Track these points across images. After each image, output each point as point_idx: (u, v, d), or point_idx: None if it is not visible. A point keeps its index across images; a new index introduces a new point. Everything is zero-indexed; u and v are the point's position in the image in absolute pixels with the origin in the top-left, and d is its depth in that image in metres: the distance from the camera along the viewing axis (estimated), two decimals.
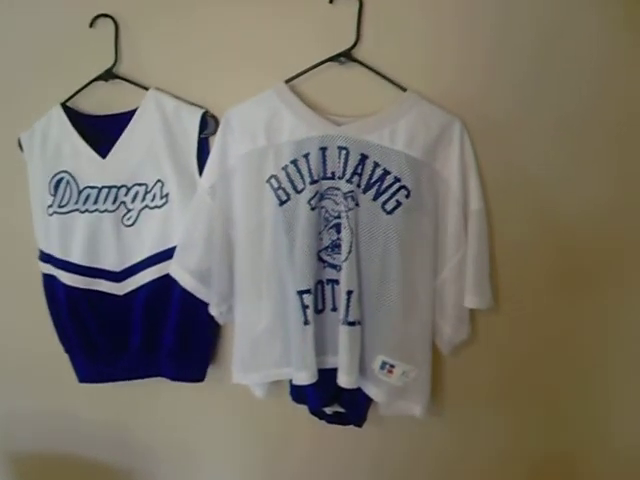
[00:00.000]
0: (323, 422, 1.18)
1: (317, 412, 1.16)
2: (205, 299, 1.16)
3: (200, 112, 1.15)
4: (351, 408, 1.14)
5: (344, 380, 1.05)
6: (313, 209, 1.05)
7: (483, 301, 1.05)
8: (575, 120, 1.06)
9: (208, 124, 1.17)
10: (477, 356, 1.15)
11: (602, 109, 1.05)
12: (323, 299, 1.09)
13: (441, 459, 1.24)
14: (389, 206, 1.04)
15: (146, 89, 1.19)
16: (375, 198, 1.04)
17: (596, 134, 1.06)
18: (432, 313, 1.08)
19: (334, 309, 1.08)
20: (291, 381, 1.12)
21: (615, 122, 1.05)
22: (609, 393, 1.15)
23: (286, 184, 1.06)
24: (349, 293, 1.04)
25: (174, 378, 1.23)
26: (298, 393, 1.14)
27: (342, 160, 1.04)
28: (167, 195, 1.17)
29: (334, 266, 1.07)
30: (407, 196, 1.03)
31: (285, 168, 1.06)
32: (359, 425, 1.16)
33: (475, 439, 1.21)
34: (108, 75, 1.22)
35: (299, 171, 1.06)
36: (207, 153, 1.15)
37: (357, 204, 1.04)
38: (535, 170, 1.08)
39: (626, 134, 1.05)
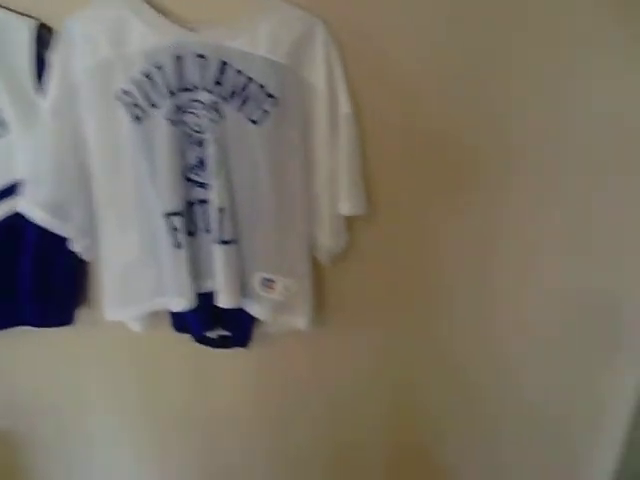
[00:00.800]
0: (209, 348, 1.14)
1: (201, 338, 1.12)
2: (64, 234, 1.05)
3: (32, 23, 1.00)
4: (235, 330, 1.12)
5: (224, 300, 1.02)
6: (174, 125, 0.97)
7: (357, 207, 1.05)
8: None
9: (43, 38, 1.02)
10: (357, 265, 1.15)
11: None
12: (195, 221, 1.03)
13: (328, 369, 1.26)
14: (256, 116, 0.98)
15: None
16: (240, 108, 0.98)
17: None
18: (308, 224, 1.07)
19: (208, 230, 1.03)
20: (171, 310, 1.07)
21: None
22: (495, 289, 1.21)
23: (140, 99, 0.97)
24: (221, 211, 0.99)
25: (38, 324, 1.12)
26: (179, 321, 1.10)
27: (201, 69, 0.96)
28: (4, 123, 1.03)
29: (203, 185, 1.01)
30: (274, 104, 0.98)
31: (137, 81, 0.96)
32: (245, 346, 1.14)
33: (359, 346, 1.24)
34: None
35: (153, 84, 0.96)
36: (47, 72, 1.01)
37: (221, 116, 0.98)
38: (407, 71, 1.06)
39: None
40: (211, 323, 1.09)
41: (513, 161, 1.11)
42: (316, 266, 1.11)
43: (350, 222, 1.10)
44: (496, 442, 1.37)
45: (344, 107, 1.02)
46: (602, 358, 1.26)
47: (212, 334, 1.12)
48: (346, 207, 1.04)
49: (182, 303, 1.02)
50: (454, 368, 1.27)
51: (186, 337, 1.12)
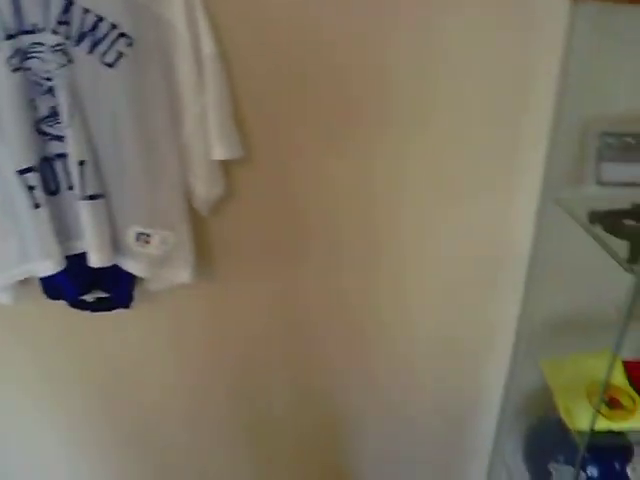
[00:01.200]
0: (88, 313, 1.08)
1: (77, 303, 1.06)
2: None
3: None
4: (114, 290, 1.06)
5: (95, 259, 0.96)
6: (15, 72, 0.87)
7: (231, 150, 1.01)
8: None
9: None
10: (238, 212, 1.12)
11: None
12: (55, 178, 0.95)
13: (217, 320, 1.25)
14: (110, 58, 0.90)
15: None
16: (91, 51, 0.89)
17: None
18: (182, 172, 1.01)
19: (71, 187, 0.95)
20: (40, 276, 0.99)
21: None
22: (383, 232, 1.22)
23: None
24: (81, 164, 0.92)
25: None
26: (51, 287, 1.03)
27: (42, 8, 0.86)
28: None
29: (59, 137, 0.92)
30: (130, 45, 0.91)
31: None
32: (127, 306, 1.09)
33: (246, 294, 1.23)
34: None
35: None
36: None
37: (70, 60, 0.89)
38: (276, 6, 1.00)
39: None
40: (86, 286, 1.03)
41: (386, 106, 1.10)
42: (196, 216, 1.07)
43: (227, 168, 1.06)
44: (393, 377, 1.43)
45: (207, 46, 0.96)
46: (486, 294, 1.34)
47: (89, 297, 1.06)
48: (218, 151, 1.00)
49: (49, 266, 0.95)
50: (345, 309, 1.30)
51: (61, 304, 1.05)
